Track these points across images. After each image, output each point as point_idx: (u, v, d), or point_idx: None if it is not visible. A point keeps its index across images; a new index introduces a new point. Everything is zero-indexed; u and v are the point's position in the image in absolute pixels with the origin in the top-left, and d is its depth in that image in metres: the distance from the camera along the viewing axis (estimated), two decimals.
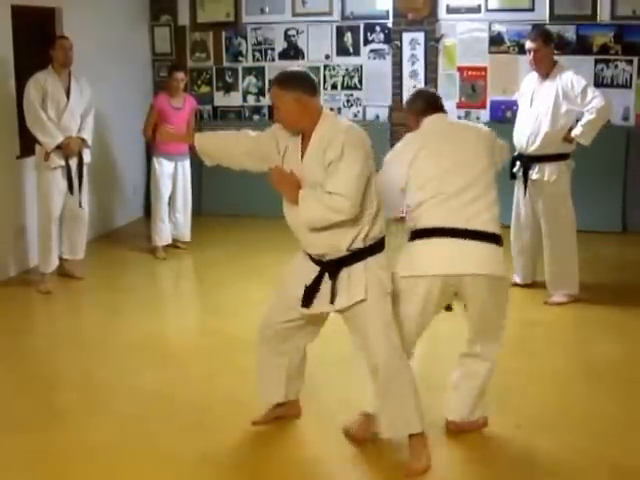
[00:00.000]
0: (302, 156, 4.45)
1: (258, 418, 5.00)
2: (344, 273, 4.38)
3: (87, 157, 8.20)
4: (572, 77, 7.10)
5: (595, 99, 6.97)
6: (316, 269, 4.44)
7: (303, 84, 4.38)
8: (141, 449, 4.75)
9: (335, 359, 5.98)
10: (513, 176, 7.51)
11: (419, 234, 4.53)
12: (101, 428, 5.04)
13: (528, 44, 7.28)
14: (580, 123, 7.06)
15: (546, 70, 7.21)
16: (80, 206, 8.19)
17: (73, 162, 8.01)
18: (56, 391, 5.77)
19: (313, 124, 4.39)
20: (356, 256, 4.36)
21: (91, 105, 8.21)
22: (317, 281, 4.43)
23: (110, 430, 5.01)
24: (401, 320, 4.51)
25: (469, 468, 4.54)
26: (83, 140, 8.08)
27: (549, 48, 7.26)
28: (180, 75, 9.22)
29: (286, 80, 4.39)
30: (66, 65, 7.93)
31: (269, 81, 11.12)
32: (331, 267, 4.40)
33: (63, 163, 7.94)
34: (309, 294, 4.44)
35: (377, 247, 4.43)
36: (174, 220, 9.45)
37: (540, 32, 7.38)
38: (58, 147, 7.83)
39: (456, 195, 4.48)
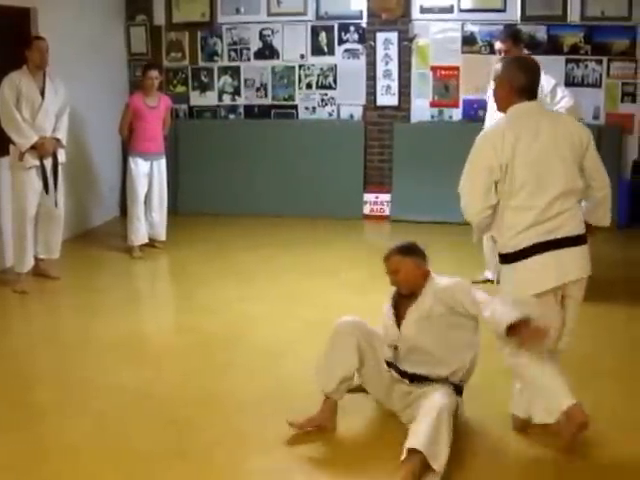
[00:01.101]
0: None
1: (297, 422, 4.96)
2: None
3: (62, 157, 8.19)
4: (542, 77, 7.18)
5: (564, 98, 7.08)
6: None
7: (420, 253, 5.08)
8: (118, 447, 4.77)
9: None
10: None
11: (523, 254, 4.52)
12: (78, 427, 5.05)
13: (498, 45, 7.40)
14: None
15: None
16: (56, 206, 8.17)
17: (48, 162, 7.99)
18: (33, 390, 5.76)
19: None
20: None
21: (66, 105, 8.18)
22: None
23: (87, 429, 5.02)
24: None
25: None
26: (58, 140, 8.06)
27: (519, 48, 7.36)
28: (154, 73, 9.24)
29: (407, 249, 5.06)
30: (42, 67, 7.91)
31: (244, 80, 11.22)
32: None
33: (38, 163, 7.91)
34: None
35: None
36: (150, 219, 9.46)
37: (510, 33, 7.48)
38: (32, 147, 7.80)
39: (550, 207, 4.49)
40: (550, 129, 4.55)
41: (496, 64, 4.89)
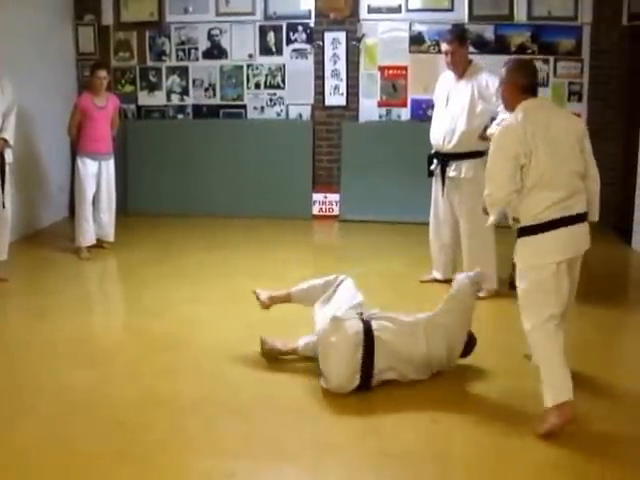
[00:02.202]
0: None
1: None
2: None
3: (9, 157, 8.10)
4: (487, 77, 7.28)
5: None
6: None
7: None
8: (65, 449, 4.74)
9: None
10: (431, 173, 7.67)
11: (544, 227, 4.93)
12: (26, 429, 5.00)
13: (444, 46, 7.44)
14: (495, 122, 7.20)
15: (462, 70, 7.39)
16: (3, 207, 8.08)
17: None
18: None
19: None
20: None
21: (13, 104, 8.09)
22: None
23: (36, 431, 4.98)
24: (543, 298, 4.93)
25: None
26: (5, 140, 7.99)
27: (464, 49, 7.43)
28: (102, 73, 9.19)
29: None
30: None
31: (193, 80, 11.20)
32: None
33: None
34: None
35: None
36: (98, 220, 9.38)
37: (456, 34, 7.50)
38: None
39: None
40: (559, 121, 5.01)
41: (501, 69, 5.24)
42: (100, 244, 9.45)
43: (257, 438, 4.90)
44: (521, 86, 5.03)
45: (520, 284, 5.01)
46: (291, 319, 6.42)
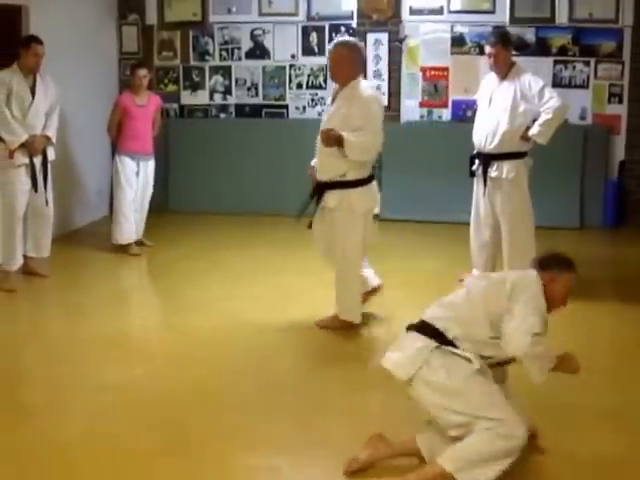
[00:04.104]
0: None
1: None
2: None
3: (51, 155, 8.17)
4: (530, 78, 7.34)
5: (552, 100, 7.18)
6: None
7: None
8: (110, 446, 4.75)
9: None
10: (472, 174, 7.73)
11: None
12: (70, 426, 5.03)
13: (488, 49, 7.51)
14: (537, 123, 7.26)
15: (505, 71, 7.44)
16: (47, 204, 8.18)
17: (37, 160, 7.99)
18: (20, 390, 5.74)
19: None
20: None
21: (56, 103, 8.18)
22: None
23: (80, 428, 5.00)
24: None
25: None
26: (47, 138, 8.06)
27: (507, 51, 7.47)
28: (143, 72, 9.25)
29: None
30: (35, 71, 7.92)
31: (236, 80, 11.29)
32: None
33: (27, 161, 7.90)
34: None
35: None
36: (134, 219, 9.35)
37: (499, 37, 7.55)
38: (22, 145, 7.79)
39: None
40: None
41: None
42: (141, 242, 9.49)
43: (301, 434, 4.95)
44: None
45: None
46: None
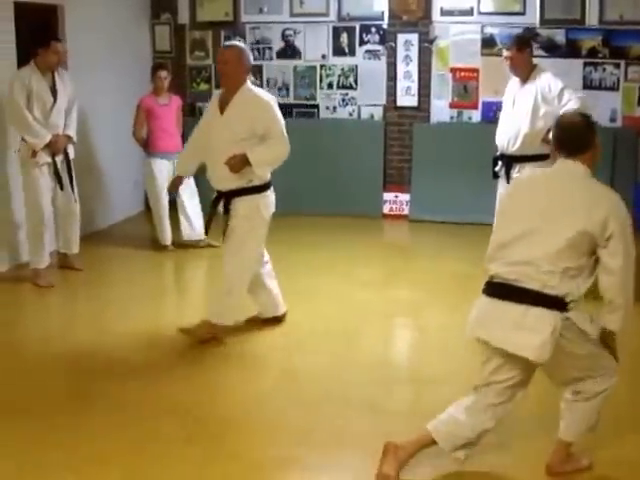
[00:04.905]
0: None
1: None
2: None
3: (72, 153, 8.24)
4: (550, 80, 7.37)
5: (571, 101, 7.19)
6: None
7: None
8: (136, 433, 4.92)
9: None
10: (495, 175, 7.76)
11: None
12: (98, 414, 5.20)
13: (505, 53, 7.60)
14: None
15: (524, 74, 7.49)
16: (75, 201, 8.27)
17: (59, 158, 8.06)
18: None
19: None
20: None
21: (74, 100, 8.21)
22: None
23: (106, 417, 5.17)
24: None
25: None
26: (69, 137, 8.13)
27: (524, 54, 7.51)
28: (163, 74, 9.35)
29: None
30: (55, 69, 7.97)
31: (267, 80, 11.37)
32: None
33: (50, 160, 7.97)
34: None
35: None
36: (185, 217, 9.39)
37: (514, 41, 7.62)
38: (45, 144, 7.85)
39: None
40: None
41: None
42: (198, 244, 9.39)
43: (322, 428, 5.05)
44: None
45: None
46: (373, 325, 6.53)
